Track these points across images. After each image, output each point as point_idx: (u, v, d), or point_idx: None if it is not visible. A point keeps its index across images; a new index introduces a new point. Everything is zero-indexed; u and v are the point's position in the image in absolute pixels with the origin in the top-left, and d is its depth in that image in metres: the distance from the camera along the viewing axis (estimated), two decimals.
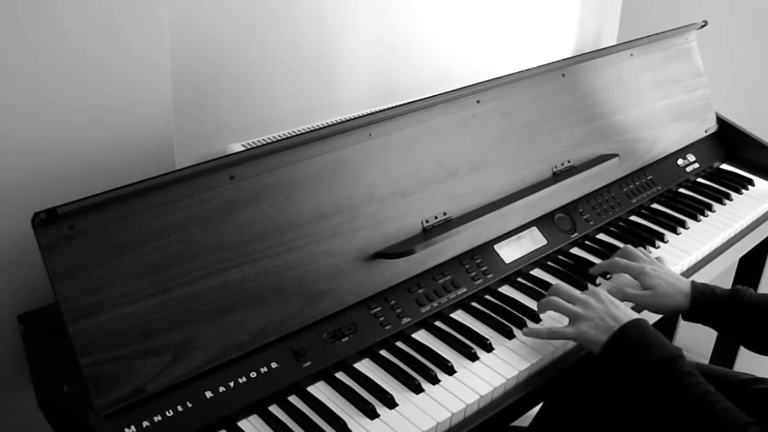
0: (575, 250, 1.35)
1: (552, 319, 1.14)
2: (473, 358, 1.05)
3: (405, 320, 1.09)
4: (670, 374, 0.94)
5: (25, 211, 0.88)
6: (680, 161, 1.61)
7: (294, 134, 1.26)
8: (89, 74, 1.06)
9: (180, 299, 0.92)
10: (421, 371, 1.02)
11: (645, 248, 1.34)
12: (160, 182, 0.92)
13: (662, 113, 1.59)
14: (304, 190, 1.04)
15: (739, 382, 1.18)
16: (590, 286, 1.16)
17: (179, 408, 0.89)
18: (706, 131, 1.68)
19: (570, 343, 1.11)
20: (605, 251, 1.33)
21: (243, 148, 1.28)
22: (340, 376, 1.01)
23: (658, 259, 1.23)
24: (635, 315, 1.03)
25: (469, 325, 1.11)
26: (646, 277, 1.17)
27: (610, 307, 1.05)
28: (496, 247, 1.24)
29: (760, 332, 1.10)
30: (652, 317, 1.23)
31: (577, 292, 1.10)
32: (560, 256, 1.32)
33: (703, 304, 1.13)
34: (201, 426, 0.89)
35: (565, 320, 1.09)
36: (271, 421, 0.93)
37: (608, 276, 1.26)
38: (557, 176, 1.34)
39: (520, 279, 1.24)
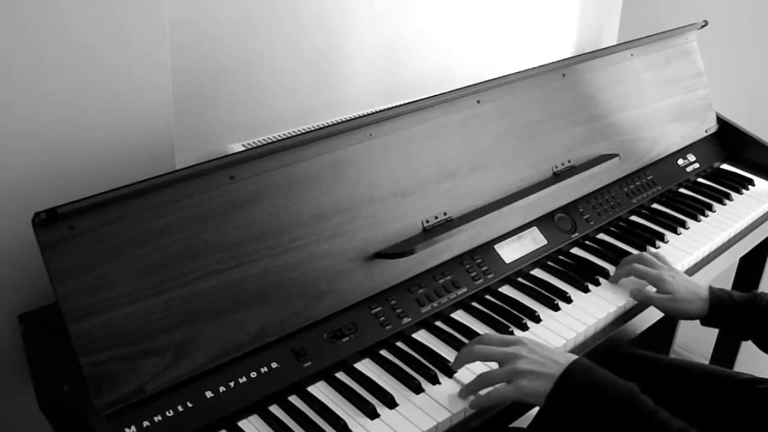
0: (575, 250, 1.35)
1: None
2: None
3: (405, 320, 1.09)
4: (639, 416, 0.86)
5: (25, 211, 0.88)
6: (680, 161, 1.61)
7: (294, 134, 1.26)
8: (90, 75, 1.06)
9: (180, 299, 0.92)
10: (421, 371, 1.01)
11: (645, 249, 1.34)
12: (160, 182, 0.92)
13: (662, 113, 1.59)
14: (304, 190, 1.04)
15: (739, 382, 1.18)
16: (513, 337, 1.00)
17: (180, 408, 0.89)
18: (706, 131, 1.68)
19: (570, 344, 1.11)
20: (606, 251, 1.33)
21: (243, 148, 1.28)
22: (341, 376, 1.01)
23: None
24: (574, 356, 0.94)
25: (470, 325, 1.11)
26: (664, 284, 1.17)
27: (545, 352, 0.95)
28: (497, 247, 1.24)
29: None
30: (652, 318, 1.23)
31: (501, 349, 0.96)
32: (560, 256, 1.32)
33: (722, 310, 1.13)
34: (201, 426, 0.89)
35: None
36: (271, 421, 0.93)
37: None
38: (557, 176, 1.34)
39: (520, 279, 1.24)
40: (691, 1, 2.01)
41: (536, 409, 1.19)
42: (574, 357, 0.94)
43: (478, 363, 1.02)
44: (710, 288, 1.16)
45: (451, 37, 1.73)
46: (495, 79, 1.29)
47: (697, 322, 1.18)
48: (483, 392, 0.96)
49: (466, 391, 0.97)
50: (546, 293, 1.20)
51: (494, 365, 0.99)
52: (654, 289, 1.20)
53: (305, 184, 1.04)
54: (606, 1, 2.13)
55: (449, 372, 1.02)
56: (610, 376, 0.90)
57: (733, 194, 1.57)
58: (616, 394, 0.88)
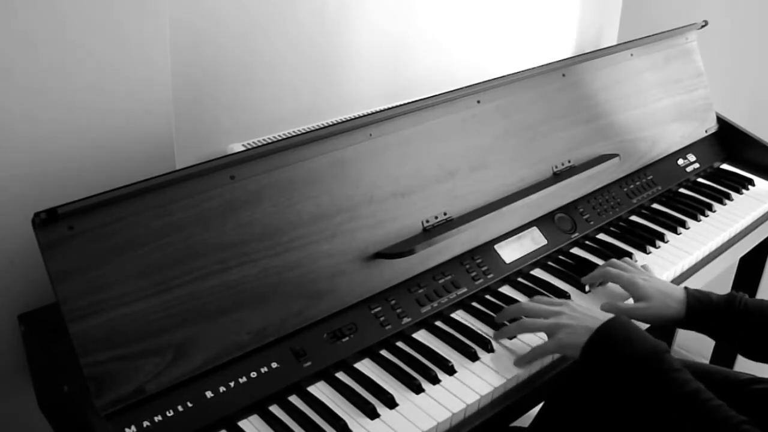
0: (575, 250, 1.35)
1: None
2: (473, 358, 1.05)
3: (405, 320, 1.09)
4: (657, 371, 0.91)
5: (25, 211, 0.88)
6: (680, 161, 1.61)
7: (294, 134, 1.26)
8: (89, 75, 1.06)
9: (180, 299, 0.92)
10: (421, 371, 1.01)
11: (645, 249, 1.34)
12: (160, 182, 0.92)
13: (662, 113, 1.59)
14: (304, 190, 1.04)
15: (739, 382, 1.18)
16: (558, 299, 1.11)
17: (180, 408, 0.89)
18: (706, 131, 1.68)
19: None
20: (605, 251, 1.33)
21: (243, 148, 1.28)
22: (341, 376, 1.01)
23: (644, 267, 1.22)
24: (611, 314, 1.01)
25: (470, 325, 1.11)
26: (637, 288, 1.14)
27: (586, 311, 1.03)
28: (497, 247, 1.24)
29: (757, 339, 1.08)
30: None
31: (546, 307, 1.07)
32: (560, 256, 1.32)
33: (700, 311, 1.10)
34: (201, 426, 0.89)
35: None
36: (271, 421, 0.93)
37: (586, 290, 1.23)
38: (557, 176, 1.34)
39: (520, 279, 1.24)
40: (691, 1, 2.01)
41: (536, 409, 1.19)
42: (611, 315, 1.01)
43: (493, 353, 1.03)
44: (686, 289, 1.13)
45: (451, 37, 1.73)
46: (495, 79, 1.29)
47: None
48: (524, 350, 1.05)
49: (506, 332, 1.07)
50: (546, 293, 1.20)
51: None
52: (629, 300, 1.18)
53: (305, 184, 1.04)
54: (606, 1, 2.13)
55: (449, 371, 1.02)
56: (642, 333, 0.96)
57: (733, 194, 1.57)
58: (644, 349, 0.93)
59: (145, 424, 0.86)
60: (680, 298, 1.12)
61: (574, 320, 1.01)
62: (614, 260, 1.23)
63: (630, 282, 1.15)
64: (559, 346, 1.01)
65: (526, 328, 1.06)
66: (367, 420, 0.94)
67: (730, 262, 1.45)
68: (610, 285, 1.22)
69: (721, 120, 1.71)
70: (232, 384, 0.93)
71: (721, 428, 0.86)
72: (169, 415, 0.88)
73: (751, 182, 1.62)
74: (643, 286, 1.13)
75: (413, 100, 1.18)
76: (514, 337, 1.09)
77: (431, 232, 1.15)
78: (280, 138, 1.23)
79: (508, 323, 1.09)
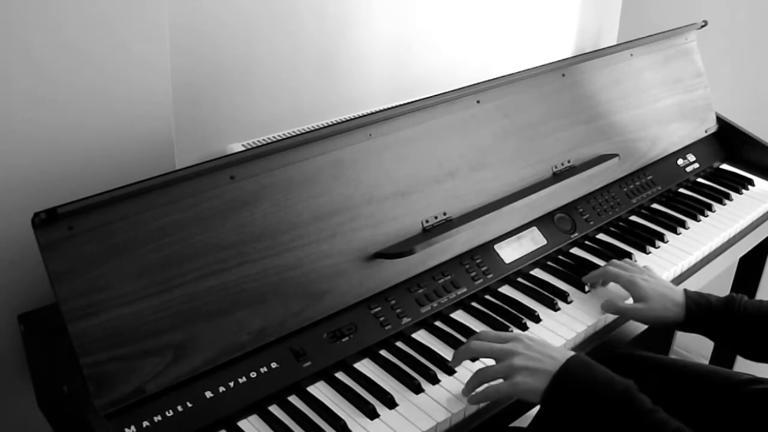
0: (575, 250, 1.35)
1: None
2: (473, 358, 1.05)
3: (405, 320, 1.09)
4: (632, 414, 0.84)
5: (25, 211, 0.88)
6: (680, 161, 1.61)
7: (294, 134, 1.26)
8: (89, 74, 1.06)
9: (180, 299, 0.92)
10: (421, 371, 1.02)
11: (645, 249, 1.34)
12: (160, 182, 0.92)
13: (662, 113, 1.59)
14: (304, 190, 1.04)
15: (739, 382, 1.18)
16: (510, 334, 0.99)
17: (179, 408, 0.89)
18: (706, 131, 1.68)
19: (569, 344, 1.11)
20: (605, 251, 1.33)
21: (243, 148, 1.28)
22: (340, 376, 1.01)
23: (645, 268, 1.21)
24: (570, 352, 0.93)
25: (469, 325, 1.11)
26: (636, 288, 1.13)
27: (541, 348, 0.93)
28: (496, 247, 1.24)
29: (757, 340, 1.08)
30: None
31: (497, 346, 0.96)
32: (560, 256, 1.32)
33: (699, 314, 1.10)
34: (201, 426, 0.89)
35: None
36: (271, 421, 0.93)
37: (586, 290, 1.22)
38: (557, 176, 1.34)
39: (520, 279, 1.24)
40: (691, 1, 2.01)
41: (536, 409, 1.19)
42: (571, 353, 0.93)
43: (478, 361, 1.03)
44: (685, 292, 1.12)
45: (451, 38, 1.73)
46: (495, 79, 1.29)
47: None
48: (481, 388, 0.96)
49: (466, 388, 0.97)
50: (545, 293, 1.20)
51: (492, 362, 0.97)
52: (629, 300, 1.17)
53: (305, 184, 1.04)
54: (606, 1, 2.13)
55: (449, 372, 1.02)
56: (606, 373, 0.89)
57: (733, 194, 1.57)
58: (613, 392, 0.86)
59: (145, 424, 0.87)
60: (679, 301, 1.11)
61: (531, 360, 0.91)
62: (615, 260, 1.23)
63: (629, 281, 1.15)
64: (516, 391, 0.91)
65: (483, 378, 0.95)
66: (367, 420, 0.94)
67: (729, 262, 1.45)
68: (611, 285, 1.22)
69: (720, 120, 1.71)
70: (231, 384, 0.93)
71: None
72: (168, 415, 0.88)
73: (750, 182, 1.62)
74: (642, 287, 1.13)
75: (413, 100, 1.18)
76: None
77: (431, 232, 1.15)
78: (280, 138, 1.23)
79: (471, 374, 0.98)
